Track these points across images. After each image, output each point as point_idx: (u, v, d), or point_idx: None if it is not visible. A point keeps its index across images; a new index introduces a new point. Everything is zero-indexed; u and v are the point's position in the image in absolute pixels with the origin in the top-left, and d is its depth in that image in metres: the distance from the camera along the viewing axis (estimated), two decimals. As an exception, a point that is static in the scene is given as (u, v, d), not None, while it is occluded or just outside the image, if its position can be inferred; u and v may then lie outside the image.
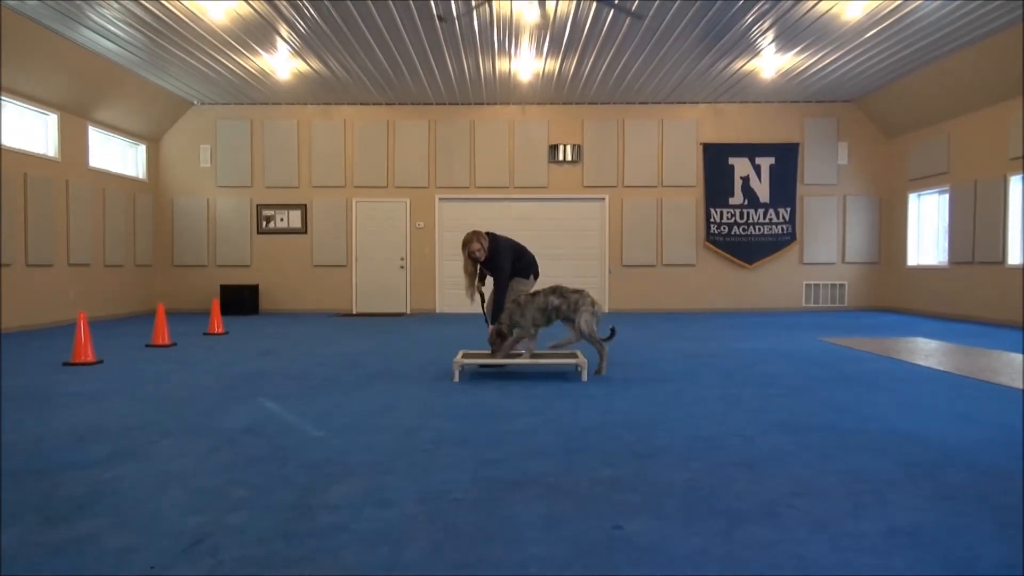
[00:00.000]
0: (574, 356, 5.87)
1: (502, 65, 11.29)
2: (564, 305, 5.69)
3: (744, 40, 10.05)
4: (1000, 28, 9.34)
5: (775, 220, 13.78)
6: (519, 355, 5.87)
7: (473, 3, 8.48)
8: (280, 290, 13.89)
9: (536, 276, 6.57)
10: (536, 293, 5.79)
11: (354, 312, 13.77)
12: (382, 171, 13.83)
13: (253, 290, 13.62)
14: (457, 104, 13.71)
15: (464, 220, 13.88)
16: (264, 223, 13.88)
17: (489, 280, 6.51)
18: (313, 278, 13.89)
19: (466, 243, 6.21)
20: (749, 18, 9.15)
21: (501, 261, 6.26)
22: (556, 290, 5.75)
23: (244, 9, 8.76)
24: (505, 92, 12.95)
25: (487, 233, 6.35)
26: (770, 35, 9.82)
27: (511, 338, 5.77)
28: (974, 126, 11.30)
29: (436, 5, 8.63)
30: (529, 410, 4.51)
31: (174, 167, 13.86)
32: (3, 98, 9.59)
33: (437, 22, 9.04)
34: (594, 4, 8.60)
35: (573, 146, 13.72)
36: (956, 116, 11.70)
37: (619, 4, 7.87)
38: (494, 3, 8.59)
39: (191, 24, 9.27)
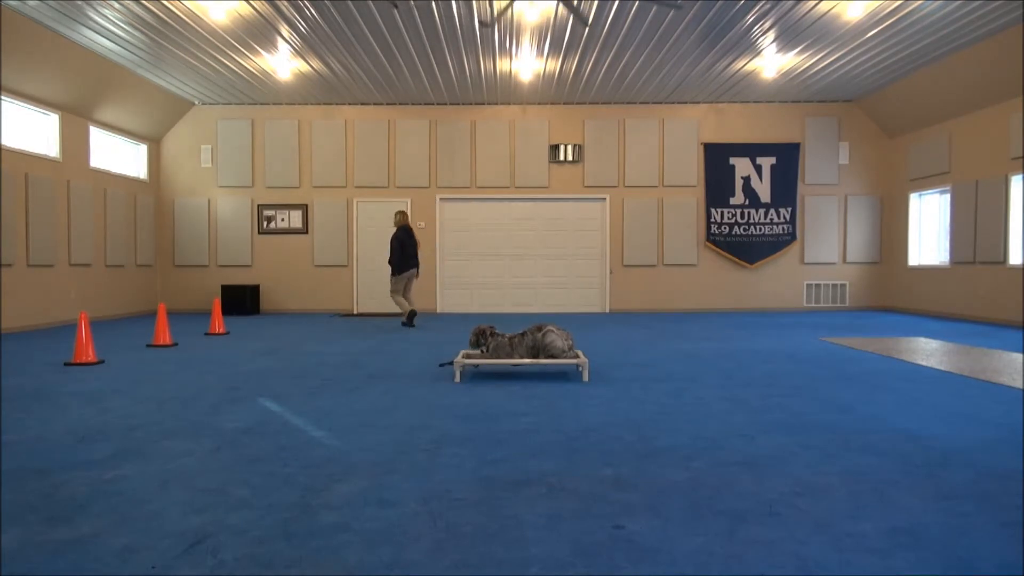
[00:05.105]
0: (576, 356, 5.88)
1: (503, 65, 11.30)
2: (534, 342, 5.83)
3: (745, 40, 10.05)
4: (1000, 28, 9.34)
5: (776, 220, 13.78)
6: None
7: None
8: (281, 290, 13.90)
9: (400, 271, 10.39)
10: (524, 333, 5.92)
11: (355, 312, 13.78)
12: (383, 171, 13.83)
13: (254, 290, 13.64)
14: (458, 104, 13.72)
15: (465, 220, 13.92)
16: (265, 223, 13.89)
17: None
18: (314, 278, 13.90)
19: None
20: (750, 18, 9.16)
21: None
22: (525, 333, 5.92)
23: (245, 9, 8.76)
24: (506, 92, 12.96)
25: (404, 227, 10.57)
26: (771, 35, 9.82)
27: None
28: (975, 126, 11.29)
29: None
30: (530, 410, 4.51)
31: (175, 167, 13.87)
32: (4, 98, 9.60)
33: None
34: (601, 3, 8.59)
35: (574, 146, 13.72)
36: (957, 116, 11.70)
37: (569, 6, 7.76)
38: (494, 3, 8.60)
39: (192, 24, 9.27)
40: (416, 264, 10.61)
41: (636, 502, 2.73)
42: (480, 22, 9.12)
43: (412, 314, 10.34)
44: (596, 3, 8.65)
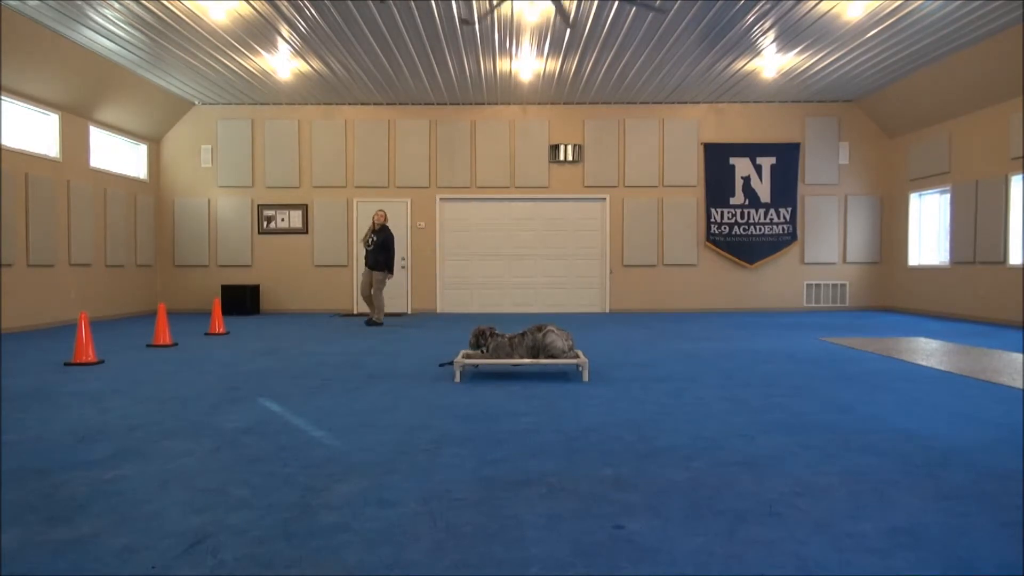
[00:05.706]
0: (576, 356, 5.88)
1: (503, 65, 11.30)
2: (534, 342, 5.82)
3: (745, 40, 10.05)
4: (1000, 28, 9.34)
5: (776, 220, 13.78)
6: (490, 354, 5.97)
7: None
8: (281, 290, 13.90)
9: (387, 272, 10.96)
10: (524, 333, 5.91)
11: (355, 312, 13.77)
12: (383, 171, 13.83)
13: (254, 290, 13.63)
14: (458, 104, 13.72)
15: (465, 220, 13.92)
16: (265, 223, 13.89)
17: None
18: (314, 278, 13.90)
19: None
20: (750, 18, 9.15)
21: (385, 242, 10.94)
22: (525, 333, 5.91)
23: (245, 9, 8.76)
24: (506, 92, 12.96)
25: (384, 226, 10.99)
26: (771, 35, 9.82)
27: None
28: (975, 126, 11.29)
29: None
30: (530, 410, 4.51)
31: (175, 167, 13.87)
32: (4, 98, 9.60)
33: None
34: (601, 4, 8.59)
35: (574, 146, 13.72)
36: (957, 116, 11.70)
37: (641, 1, 7.74)
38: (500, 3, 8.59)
39: (192, 24, 9.27)
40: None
41: (636, 502, 2.73)
42: (462, 20, 9.03)
43: (380, 323, 10.92)
44: (596, 3, 8.65)
